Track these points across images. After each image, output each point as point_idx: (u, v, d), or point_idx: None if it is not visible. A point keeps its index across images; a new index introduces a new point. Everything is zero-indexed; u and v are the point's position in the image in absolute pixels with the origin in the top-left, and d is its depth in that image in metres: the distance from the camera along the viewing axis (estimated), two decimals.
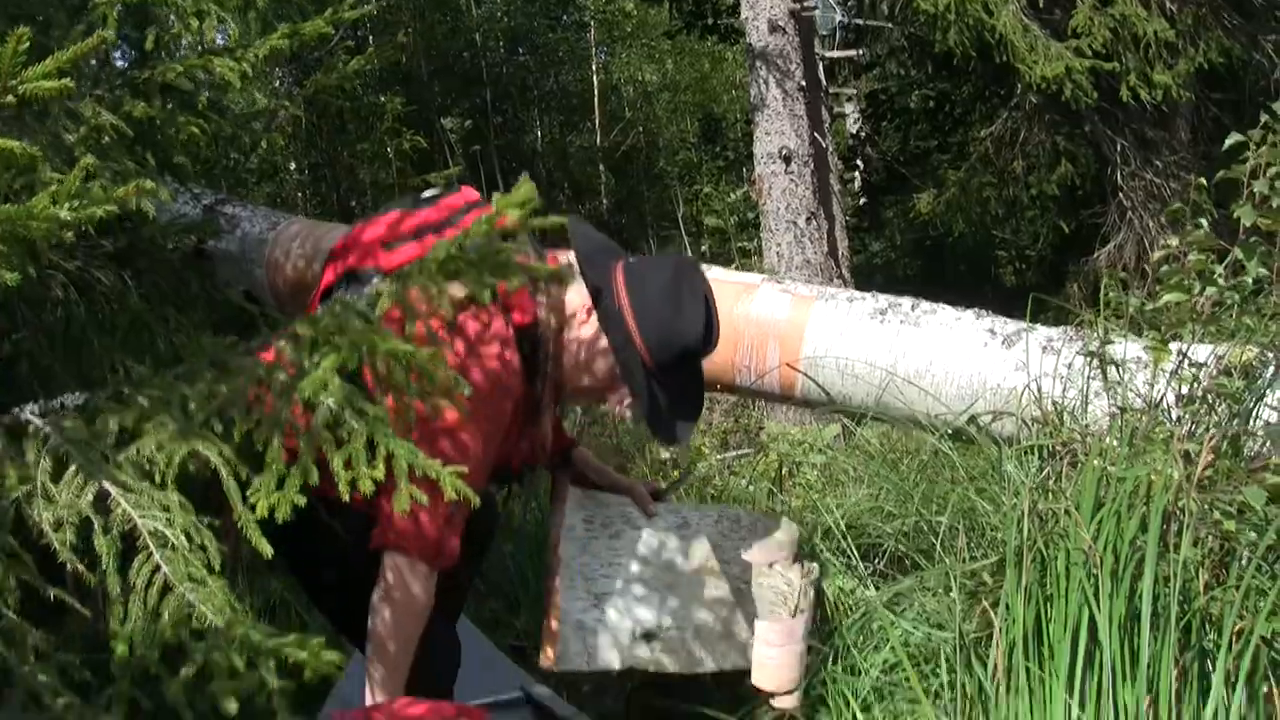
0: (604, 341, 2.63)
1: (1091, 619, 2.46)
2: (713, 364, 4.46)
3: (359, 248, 2.64)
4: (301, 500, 1.87)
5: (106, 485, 1.83)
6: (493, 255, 1.95)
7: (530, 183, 2.05)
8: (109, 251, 3.03)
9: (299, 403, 1.95)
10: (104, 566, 1.80)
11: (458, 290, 2.16)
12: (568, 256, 2.63)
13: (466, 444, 2.44)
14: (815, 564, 3.16)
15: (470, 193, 2.69)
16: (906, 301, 4.25)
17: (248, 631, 1.76)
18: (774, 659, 2.99)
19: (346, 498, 1.91)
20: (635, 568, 2.98)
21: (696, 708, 3.07)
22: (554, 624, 2.86)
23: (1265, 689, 2.42)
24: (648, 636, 2.92)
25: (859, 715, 3.07)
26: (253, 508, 1.86)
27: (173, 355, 2.79)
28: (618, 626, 2.92)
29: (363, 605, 2.48)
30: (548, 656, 2.86)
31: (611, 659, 2.90)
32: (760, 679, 3.00)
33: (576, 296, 2.63)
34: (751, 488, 4.93)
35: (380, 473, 1.92)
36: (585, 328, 2.63)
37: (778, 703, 2.97)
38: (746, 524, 3.16)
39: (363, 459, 1.91)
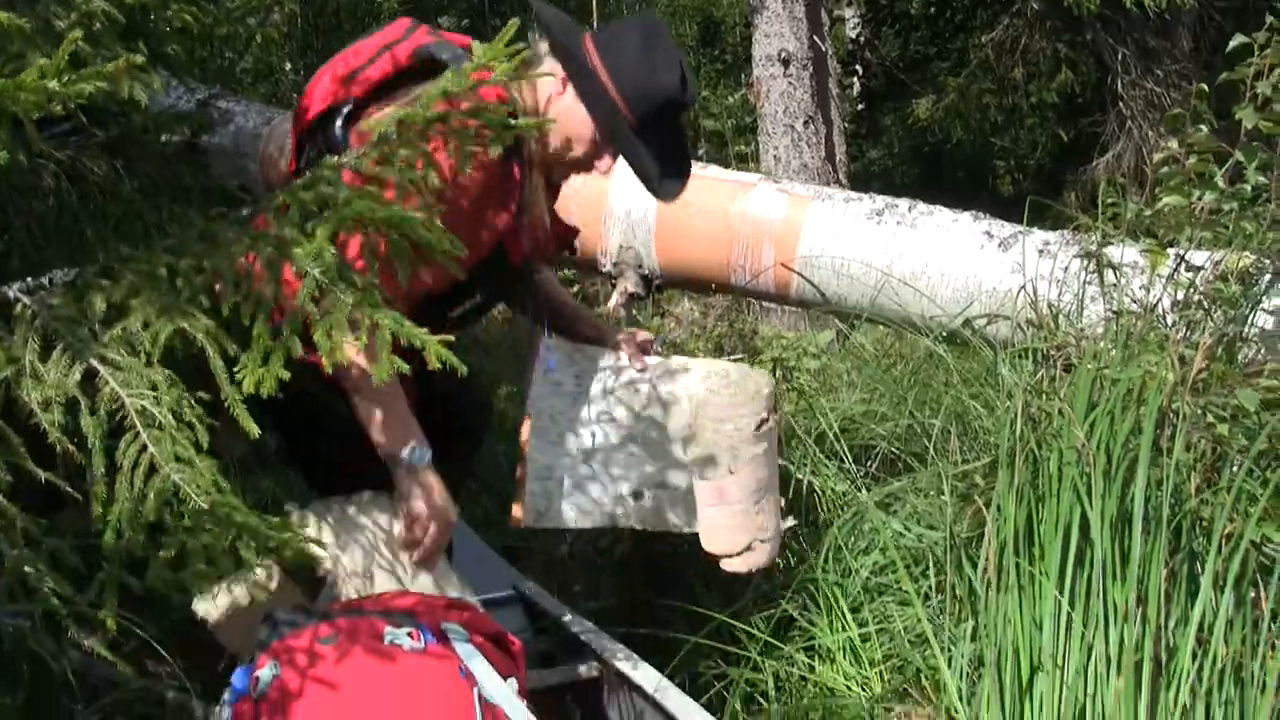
0: (583, 110, 2.57)
1: (1083, 518, 2.45)
2: (708, 263, 4.46)
3: (319, 95, 2.60)
4: (286, 375, 1.85)
5: (94, 363, 1.81)
6: (482, 112, 1.94)
7: (517, 23, 2.03)
8: (101, 141, 2.99)
9: (288, 274, 1.93)
10: (91, 446, 1.78)
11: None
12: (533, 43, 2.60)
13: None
14: (772, 418, 2.98)
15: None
16: (904, 203, 4.23)
17: (231, 512, 1.75)
18: (712, 520, 2.90)
19: (329, 370, 1.89)
20: (620, 425, 2.92)
21: (688, 606, 3.08)
22: (524, 479, 2.86)
23: (1253, 593, 2.42)
24: (635, 496, 2.89)
25: (848, 615, 3.09)
26: (239, 385, 1.84)
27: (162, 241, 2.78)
28: (596, 484, 2.89)
29: (360, 482, 2.48)
30: (515, 513, 2.86)
31: (583, 517, 2.90)
32: (705, 542, 2.91)
33: (549, 68, 2.57)
34: None
35: (364, 343, 1.90)
36: (562, 98, 2.57)
37: (726, 565, 2.91)
38: (735, 378, 2.99)
39: (344, 330, 1.89)
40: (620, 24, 2.77)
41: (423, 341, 1.90)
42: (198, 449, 1.81)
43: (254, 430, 1.83)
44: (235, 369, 1.86)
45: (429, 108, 2.05)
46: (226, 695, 1.95)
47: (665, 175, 2.66)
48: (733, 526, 2.89)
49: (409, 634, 1.98)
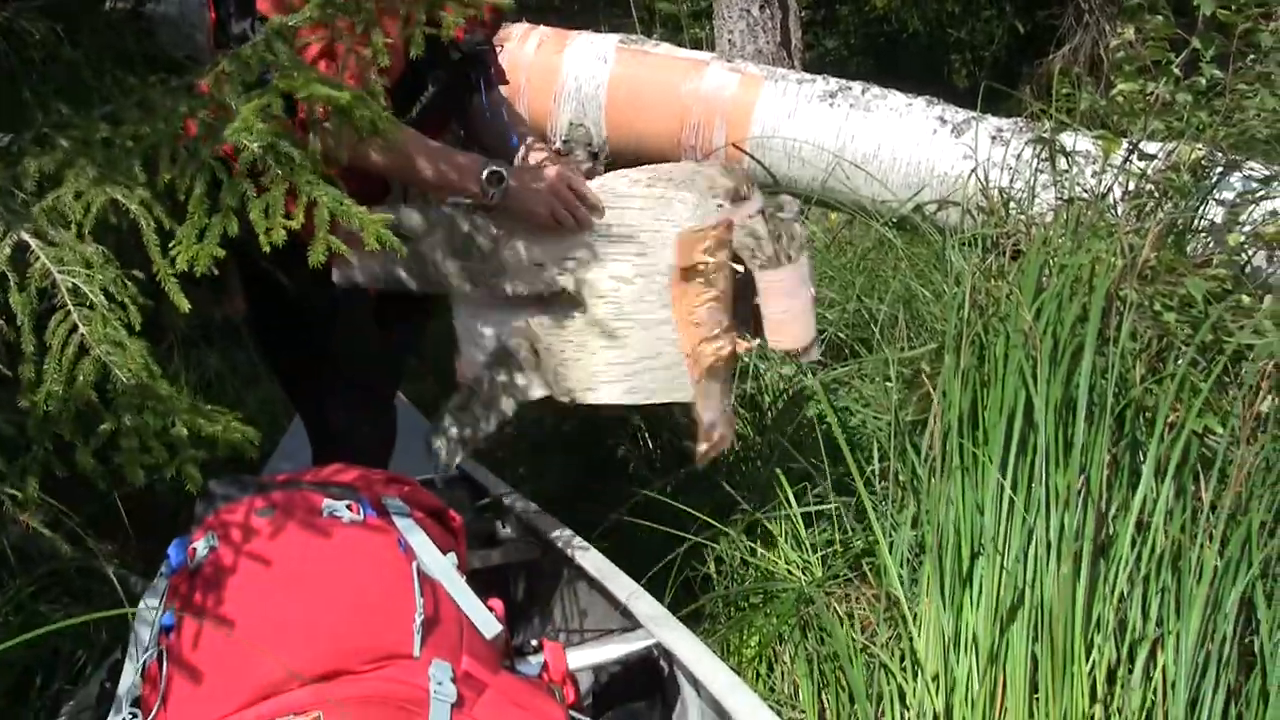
0: None
1: (1028, 403, 2.45)
2: (658, 140, 4.41)
3: None
4: (221, 253, 1.80)
5: (25, 236, 1.75)
6: None
7: None
8: (41, 4, 2.91)
9: (226, 144, 1.87)
10: (19, 324, 1.73)
11: None
12: None
13: None
14: (786, 199, 2.76)
15: None
16: (857, 86, 4.19)
17: (163, 396, 1.71)
18: (783, 312, 2.71)
19: (265, 249, 1.84)
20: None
21: (630, 489, 3.07)
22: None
23: (1192, 484, 2.44)
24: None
25: (792, 500, 3.08)
26: (174, 260, 1.79)
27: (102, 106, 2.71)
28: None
29: (315, 353, 2.44)
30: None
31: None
32: (777, 339, 2.74)
33: None
34: None
35: (298, 223, 1.84)
36: None
37: (803, 358, 2.82)
38: (681, 179, 2.69)
39: (280, 208, 1.83)
40: None
41: (361, 221, 1.85)
42: (130, 330, 1.75)
43: (184, 305, 1.77)
44: (169, 245, 1.81)
45: None
46: (162, 568, 1.93)
47: None
48: (801, 315, 2.73)
49: (348, 506, 1.96)
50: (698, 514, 2.99)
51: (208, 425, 1.80)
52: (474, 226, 2.59)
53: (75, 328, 1.73)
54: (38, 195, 1.83)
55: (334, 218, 1.85)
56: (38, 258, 1.74)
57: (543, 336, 2.65)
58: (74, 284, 1.74)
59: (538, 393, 2.68)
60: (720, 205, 2.60)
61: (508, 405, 2.70)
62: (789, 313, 2.68)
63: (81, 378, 1.72)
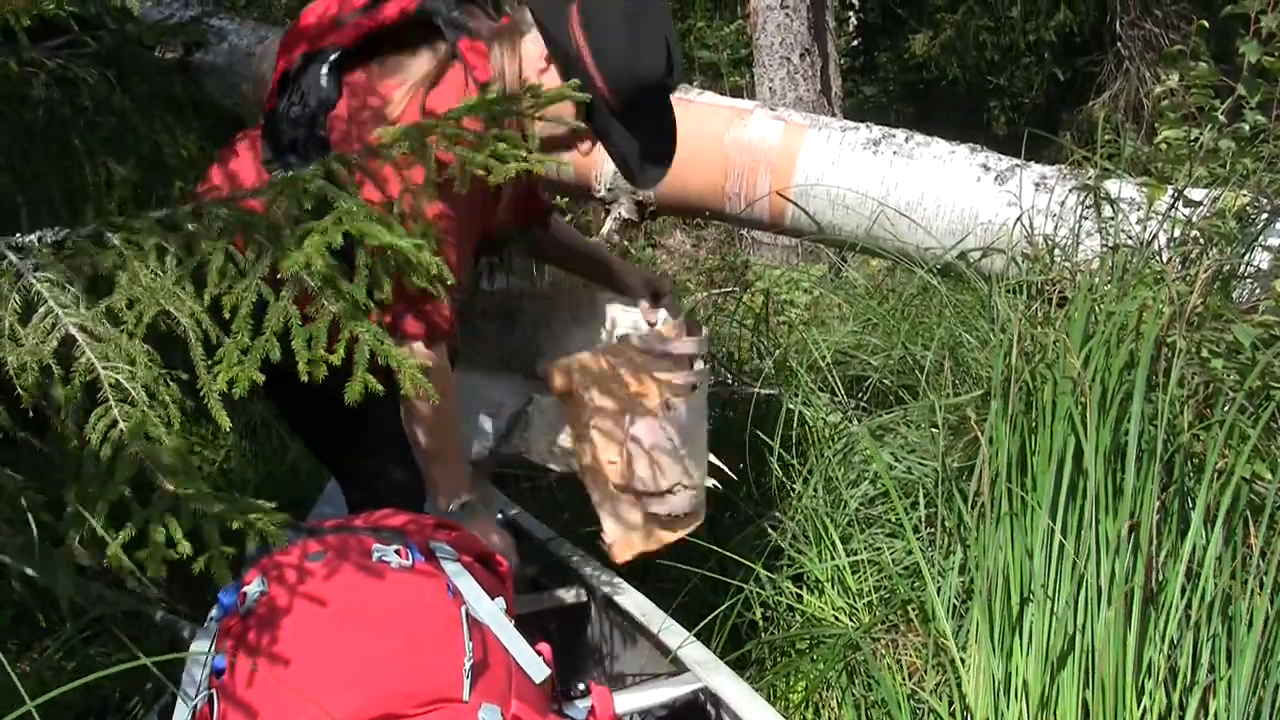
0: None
1: (1077, 449, 2.45)
2: (702, 190, 4.43)
3: (310, 31, 2.59)
4: (260, 378, 1.83)
5: (73, 331, 1.78)
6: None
7: None
8: (93, 51, 2.96)
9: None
10: (62, 417, 1.76)
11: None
12: (521, 10, 2.57)
13: (444, 226, 2.40)
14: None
15: None
16: (901, 133, 4.19)
17: (196, 495, 1.73)
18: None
19: (305, 379, 1.87)
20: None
21: None
22: None
23: (1242, 530, 2.42)
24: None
25: (839, 545, 3.08)
26: (215, 377, 1.82)
27: (156, 156, 2.74)
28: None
29: (340, 424, 2.48)
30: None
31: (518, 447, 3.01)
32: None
33: (533, 46, 2.55)
34: (736, 326, 4.90)
35: (338, 359, 1.88)
36: (545, 76, 2.53)
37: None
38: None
39: (323, 341, 1.87)
40: None
41: (399, 363, 1.91)
42: (168, 426, 1.78)
43: (225, 423, 1.81)
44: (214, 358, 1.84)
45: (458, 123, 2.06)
46: (214, 611, 1.93)
47: (647, 159, 2.63)
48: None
49: (396, 551, 1.97)
50: (744, 560, 2.99)
51: (240, 520, 1.81)
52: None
53: (115, 423, 1.75)
54: (90, 292, 1.85)
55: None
56: (83, 352, 1.77)
57: (549, 413, 2.93)
58: (117, 379, 1.76)
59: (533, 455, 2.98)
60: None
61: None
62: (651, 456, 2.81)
63: (118, 472, 1.74)
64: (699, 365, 2.84)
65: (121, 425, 1.73)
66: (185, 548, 1.72)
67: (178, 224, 1.96)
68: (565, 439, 2.91)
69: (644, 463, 2.78)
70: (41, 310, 1.79)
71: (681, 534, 2.86)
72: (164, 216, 1.97)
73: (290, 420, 3.02)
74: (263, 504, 1.83)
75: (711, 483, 3.01)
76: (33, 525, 1.92)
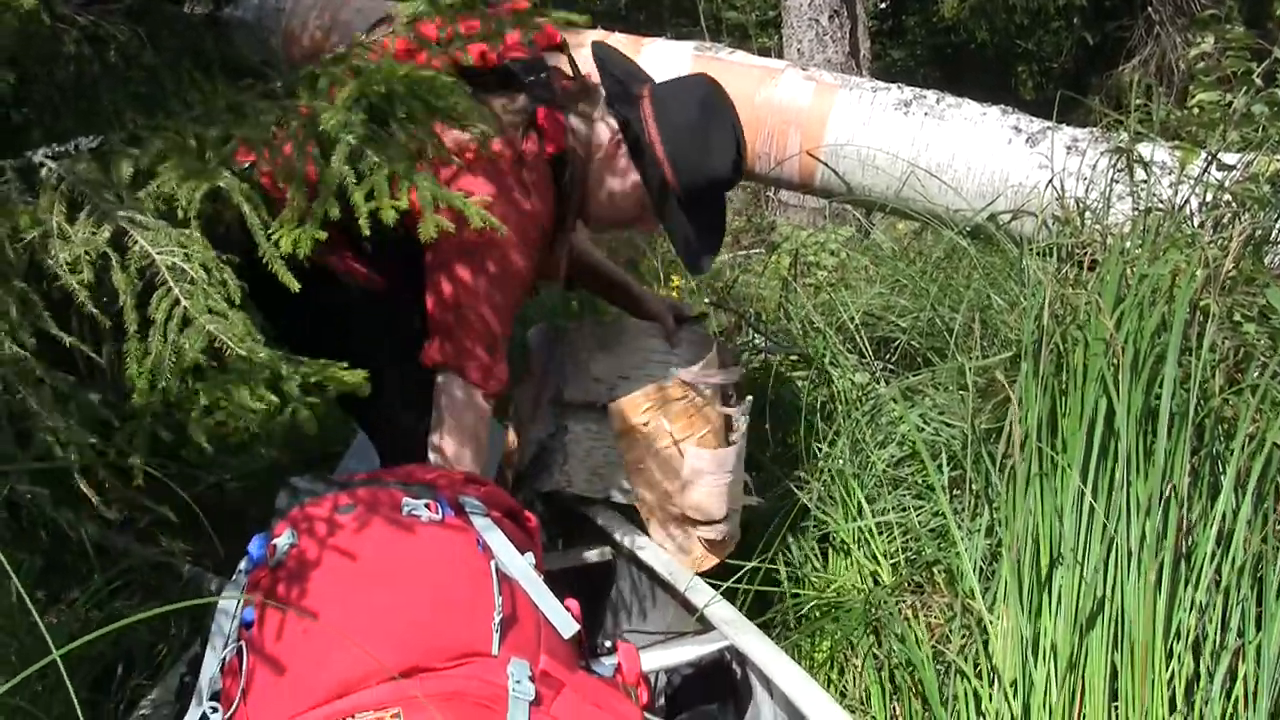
0: (635, 175, 2.64)
1: (1109, 411, 2.43)
2: None
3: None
4: (323, 235, 1.86)
5: (122, 224, 1.80)
6: None
7: None
8: (124, 7, 2.95)
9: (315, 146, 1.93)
10: (123, 302, 1.78)
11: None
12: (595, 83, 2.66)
13: (506, 270, 2.48)
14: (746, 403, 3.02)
15: None
16: (932, 95, 4.16)
17: (271, 356, 1.75)
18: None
19: (367, 231, 1.89)
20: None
21: None
22: (511, 436, 3.09)
23: (1272, 495, 2.41)
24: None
25: (864, 506, 3.08)
26: (276, 244, 1.84)
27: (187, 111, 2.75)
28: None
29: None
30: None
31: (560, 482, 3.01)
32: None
33: (604, 128, 2.64)
34: (763, 286, 4.89)
35: (404, 202, 1.90)
36: (615, 160, 2.64)
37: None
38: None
39: (385, 191, 1.88)
40: (680, 85, 2.75)
41: (462, 204, 1.95)
42: (230, 303, 1.80)
43: (293, 285, 1.85)
44: (270, 231, 1.86)
45: None
46: (243, 564, 1.94)
47: (700, 247, 2.72)
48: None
49: (426, 505, 1.97)
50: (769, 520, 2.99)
51: (319, 373, 1.84)
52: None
53: (178, 301, 1.77)
54: (132, 189, 1.87)
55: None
56: (135, 242, 1.79)
57: (584, 440, 2.98)
58: (173, 262, 1.78)
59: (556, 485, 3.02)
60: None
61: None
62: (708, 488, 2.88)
63: (188, 345, 1.76)
64: (745, 402, 2.96)
65: (184, 303, 1.75)
66: (270, 398, 1.75)
67: (213, 119, 2.00)
68: (601, 464, 2.97)
69: (701, 493, 2.84)
70: (87, 209, 1.82)
71: (724, 557, 2.92)
72: (198, 114, 2.00)
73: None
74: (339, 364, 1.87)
75: (755, 500, 3.08)
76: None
